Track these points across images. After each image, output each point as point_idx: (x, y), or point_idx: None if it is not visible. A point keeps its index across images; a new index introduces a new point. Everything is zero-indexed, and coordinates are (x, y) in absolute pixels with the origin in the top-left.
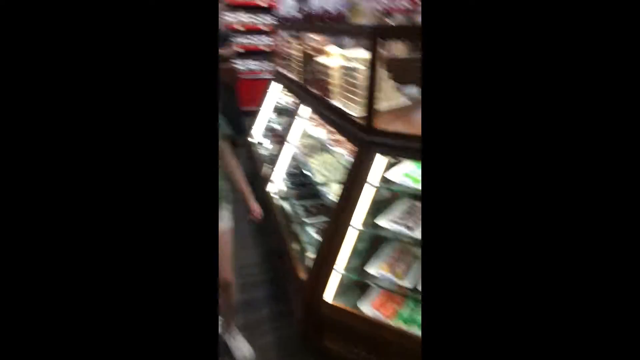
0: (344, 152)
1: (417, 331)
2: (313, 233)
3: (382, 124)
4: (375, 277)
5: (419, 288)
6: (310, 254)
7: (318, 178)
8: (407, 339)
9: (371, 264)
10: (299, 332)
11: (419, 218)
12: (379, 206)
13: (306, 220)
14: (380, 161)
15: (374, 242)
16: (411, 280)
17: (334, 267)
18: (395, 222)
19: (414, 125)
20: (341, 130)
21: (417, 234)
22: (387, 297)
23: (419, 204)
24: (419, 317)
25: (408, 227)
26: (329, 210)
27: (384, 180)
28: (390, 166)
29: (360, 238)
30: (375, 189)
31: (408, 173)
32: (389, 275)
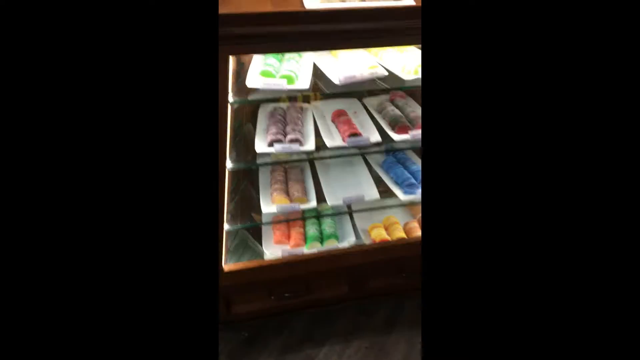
0: None
1: (333, 243)
2: None
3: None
4: (272, 215)
5: (316, 204)
6: None
7: None
8: (329, 255)
9: (263, 203)
10: None
11: (297, 124)
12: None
13: None
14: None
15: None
16: (313, 198)
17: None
18: (278, 141)
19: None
20: None
21: (309, 146)
22: (284, 227)
23: (284, 105)
24: (325, 229)
25: (298, 141)
26: None
27: (238, 89)
28: None
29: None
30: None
31: (266, 70)
32: (292, 205)
